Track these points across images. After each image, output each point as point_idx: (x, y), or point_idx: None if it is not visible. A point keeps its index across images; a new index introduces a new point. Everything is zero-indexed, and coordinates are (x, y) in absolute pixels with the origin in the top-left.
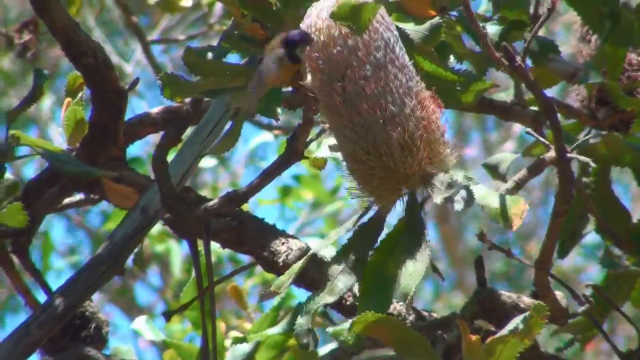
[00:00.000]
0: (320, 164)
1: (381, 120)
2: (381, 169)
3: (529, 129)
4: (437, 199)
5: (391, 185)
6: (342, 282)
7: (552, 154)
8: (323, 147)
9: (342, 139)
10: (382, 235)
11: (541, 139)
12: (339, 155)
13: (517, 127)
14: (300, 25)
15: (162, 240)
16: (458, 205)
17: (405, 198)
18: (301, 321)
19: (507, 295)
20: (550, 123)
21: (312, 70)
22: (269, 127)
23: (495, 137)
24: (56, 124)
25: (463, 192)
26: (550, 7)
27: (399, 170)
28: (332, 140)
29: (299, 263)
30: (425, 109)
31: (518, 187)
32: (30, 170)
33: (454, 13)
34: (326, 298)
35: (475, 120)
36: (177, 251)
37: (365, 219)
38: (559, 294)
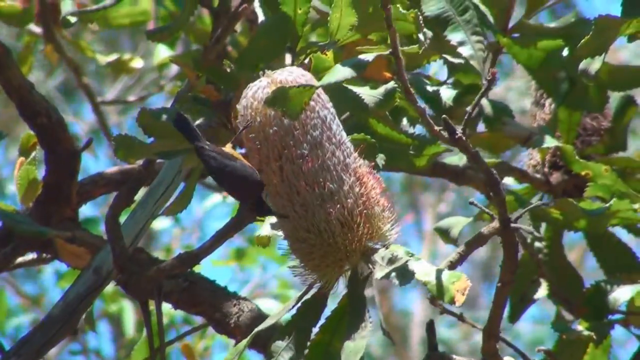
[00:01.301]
0: (264, 241)
1: (320, 199)
2: (322, 246)
3: (472, 200)
4: (378, 275)
5: (332, 262)
6: (286, 358)
7: (495, 224)
8: (266, 224)
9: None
10: (326, 312)
11: (485, 209)
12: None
13: None
14: (237, 106)
15: (115, 300)
16: (398, 282)
17: (348, 274)
18: None
19: (458, 359)
20: (493, 194)
21: (250, 151)
22: (219, 189)
23: None
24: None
25: (403, 269)
26: (490, 79)
27: (340, 247)
28: (274, 218)
29: (244, 342)
30: (364, 185)
31: (461, 258)
32: None
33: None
34: None
35: None
36: (130, 310)
37: (308, 295)
38: None
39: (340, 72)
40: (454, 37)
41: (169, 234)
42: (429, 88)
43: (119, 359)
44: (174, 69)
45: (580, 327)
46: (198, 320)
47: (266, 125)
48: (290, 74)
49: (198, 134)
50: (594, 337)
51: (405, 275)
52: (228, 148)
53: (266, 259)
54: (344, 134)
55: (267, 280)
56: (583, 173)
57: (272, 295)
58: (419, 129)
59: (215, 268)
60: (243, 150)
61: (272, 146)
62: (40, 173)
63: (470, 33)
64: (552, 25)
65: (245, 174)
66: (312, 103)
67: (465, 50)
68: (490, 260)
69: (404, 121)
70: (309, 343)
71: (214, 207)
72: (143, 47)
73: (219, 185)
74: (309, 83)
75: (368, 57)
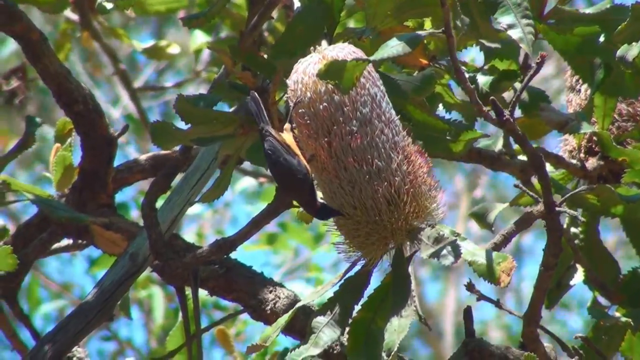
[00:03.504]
0: (307, 217)
1: (367, 175)
2: (367, 223)
3: (517, 182)
4: (424, 254)
5: (377, 239)
6: (327, 334)
7: (540, 207)
8: None
9: (329, 194)
10: (369, 290)
11: (530, 192)
12: None
13: None
14: (287, 81)
15: (145, 286)
16: (445, 261)
17: (392, 252)
18: None
19: (495, 346)
20: (538, 178)
21: (299, 126)
22: (254, 175)
23: None
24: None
25: (450, 248)
26: (540, 61)
27: (385, 225)
28: (319, 195)
29: (285, 316)
30: (412, 163)
31: (505, 240)
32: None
33: (443, 62)
34: (311, 350)
35: None
36: (160, 297)
37: (351, 272)
38: (549, 346)
39: (393, 48)
40: (504, 19)
41: (199, 217)
42: (466, 74)
43: (152, 349)
44: (205, 55)
45: (618, 313)
46: (228, 305)
47: (316, 101)
48: (342, 50)
49: (265, 117)
50: (632, 323)
51: (452, 254)
52: (288, 135)
53: (298, 244)
54: (393, 112)
55: (298, 264)
56: (620, 159)
57: (304, 279)
58: (454, 115)
59: (246, 252)
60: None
61: (322, 122)
62: (75, 159)
63: (521, 16)
64: (588, 11)
65: (297, 172)
66: (362, 80)
67: (515, 33)
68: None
69: (440, 107)
70: (350, 320)
71: (244, 190)
72: (171, 34)
73: (270, 172)
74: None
75: (422, 33)
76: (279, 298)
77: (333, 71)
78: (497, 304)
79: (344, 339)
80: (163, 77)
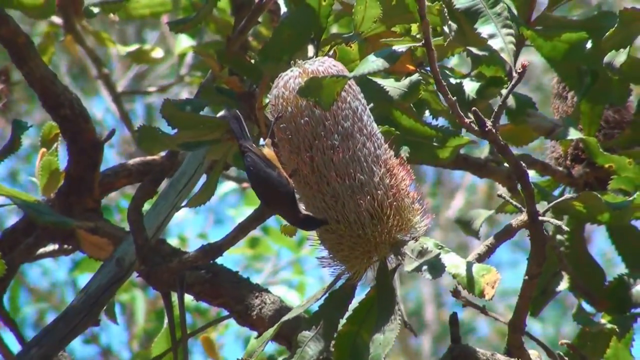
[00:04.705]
0: (290, 231)
1: (350, 190)
2: (351, 237)
3: (500, 192)
4: (408, 267)
5: (361, 253)
6: (312, 348)
7: (523, 217)
8: None
9: (312, 209)
10: (354, 303)
11: (513, 202)
12: None
13: None
14: (268, 95)
15: (127, 289)
16: (429, 274)
17: (376, 266)
18: None
19: (481, 352)
20: (521, 186)
21: (280, 140)
22: (237, 180)
23: None
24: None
25: (433, 261)
26: (522, 70)
27: (369, 238)
28: (302, 206)
29: (270, 330)
30: (395, 176)
31: (489, 251)
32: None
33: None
34: None
35: None
36: (141, 300)
37: (336, 286)
38: (534, 353)
39: (373, 63)
40: (484, 29)
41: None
42: (452, 80)
43: (135, 352)
44: (189, 57)
45: (603, 320)
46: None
47: (297, 116)
48: (322, 64)
49: (247, 134)
50: (617, 330)
51: (436, 267)
52: (268, 149)
53: (281, 247)
54: (374, 125)
55: (280, 267)
56: (606, 166)
57: (286, 282)
58: (441, 121)
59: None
60: None
61: (303, 136)
62: (62, 164)
63: (501, 26)
64: (575, 17)
65: (278, 185)
66: (343, 94)
67: (495, 43)
68: None
69: (426, 113)
70: (335, 334)
71: (226, 194)
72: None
73: (251, 187)
74: (341, 73)
75: (400, 48)
76: (265, 304)
77: (313, 88)
78: (483, 310)
79: (330, 352)
80: (145, 79)
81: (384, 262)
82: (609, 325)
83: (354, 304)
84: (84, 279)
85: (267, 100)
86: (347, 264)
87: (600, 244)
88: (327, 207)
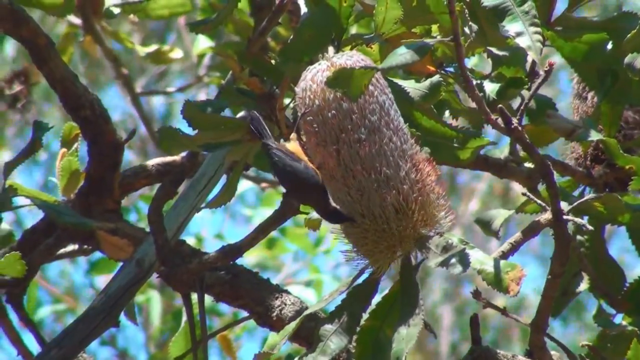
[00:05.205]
0: (315, 225)
1: (376, 184)
2: (375, 231)
3: (525, 190)
4: (432, 262)
5: (385, 248)
6: (335, 342)
7: (547, 215)
8: None
9: (337, 202)
10: (377, 298)
11: (537, 200)
12: None
13: None
14: (295, 89)
15: (142, 290)
16: (453, 270)
17: (400, 261)
18: None
19: (502, 354)
20: (546, 185)
21: (307, 134)
22: (256, 180)
23: None
24: None
25: (458, 256)
26: (548, 69)
27: (393, 233)
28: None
29: (293, 324)
30: (420, 171)
31: (513, 249)
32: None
33: (450, 69)
34: (319, 358)
35: None
36: (157, 301)
37: (359, 280)
38: (555, 354)
39: (401, 56)
40: (512, 27)
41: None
42: (473, 81)
43: (152, 353)
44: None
45: (624, 322)
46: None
47: (324, 109)
48: (350, 58)
49: (268, 133)
50: (638, 332)
51: (461, 263)
52: (293, 144)
53: (298, 248)
54: (401, 120)
55: (297, 269)
56: (627, 167)
57: (303, 283)
58: (462, 122)
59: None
60: None
61: (330, 129)
62: (82, 164)
63: (529, 24)
64: (595, 18)
65: (306, 176)
66: (371, 87)
67: (523, 41)
68: None
69: (446, 114)
70: (358, 328)
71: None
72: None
73: (280, 183)
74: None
75: (430, 41)
76: (285, 305)
77: (342, 79)
78: (504, 311)
79: (352, 347)
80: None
81: (408, 257)
82: (629, 327)
83: (377, 298)
84: (101, 280)
85: (287, 101)
86: (370, 258)
87: (616, 246)
88: (352, 201)
